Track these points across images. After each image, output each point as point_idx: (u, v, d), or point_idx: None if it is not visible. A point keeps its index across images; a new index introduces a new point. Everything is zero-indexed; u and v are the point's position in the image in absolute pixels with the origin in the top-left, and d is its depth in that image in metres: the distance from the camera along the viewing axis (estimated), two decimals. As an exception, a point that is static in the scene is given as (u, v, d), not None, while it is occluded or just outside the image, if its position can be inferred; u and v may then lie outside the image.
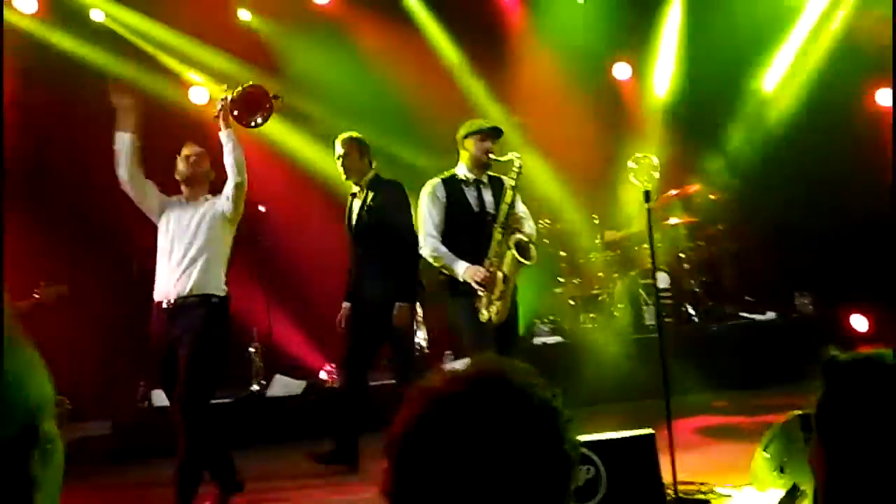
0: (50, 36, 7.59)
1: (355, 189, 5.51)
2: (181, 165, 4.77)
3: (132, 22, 7.92)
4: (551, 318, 7.84)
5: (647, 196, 4.59)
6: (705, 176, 8.16)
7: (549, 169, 8.15)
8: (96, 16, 7.81)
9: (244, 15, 8.33)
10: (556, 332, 7.71)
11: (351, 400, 5.44)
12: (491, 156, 4.92)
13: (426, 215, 4.98)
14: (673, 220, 7.79)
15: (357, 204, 5.52)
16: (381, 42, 8.20)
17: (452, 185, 5.00)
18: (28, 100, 7.16)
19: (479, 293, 4.81)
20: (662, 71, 8.87)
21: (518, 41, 8.72)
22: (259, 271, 7.49)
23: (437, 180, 5.04)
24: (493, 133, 4.97)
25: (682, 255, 7.84)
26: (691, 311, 7.66)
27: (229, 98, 4.68)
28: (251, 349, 7.22)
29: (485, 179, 5.03)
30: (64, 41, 7.64)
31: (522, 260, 4.79)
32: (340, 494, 5.04)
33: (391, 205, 5.37)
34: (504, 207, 4.87)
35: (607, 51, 8.71)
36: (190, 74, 8.16)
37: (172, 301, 4.57)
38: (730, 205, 8.07)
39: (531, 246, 4.86)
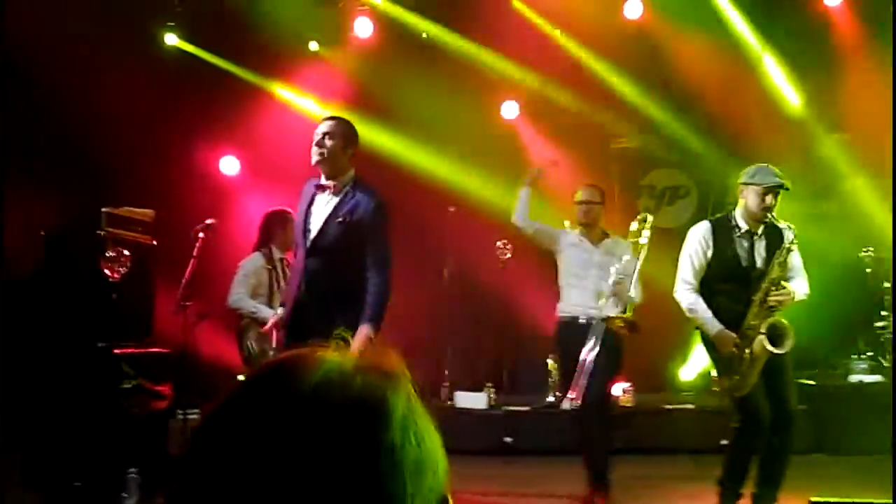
0: (384, 57, 8.21)
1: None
2: (580, 213, 5.49)
3: (453, 41, 8.37)
4: (870, 354, 7.25)
5: None
6: None
7: (878, 191, 7.52)
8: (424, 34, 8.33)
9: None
10: (875, 370, 7.11)
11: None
12: (768, 215, 4.59)
13: (687, 260, 4.75)
14: None
15: None
16: (694, 55, 8.01)
17: (723, 231, 4.72)
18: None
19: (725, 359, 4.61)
20: None
21: (847, 53, 8.13)
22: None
23: (706, 224, 4.79)
24: (776, 189, 4.61)
25: None
26: None
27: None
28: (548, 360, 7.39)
29: (759, 231, 4.68)
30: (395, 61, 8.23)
31: (771, 349, 4.46)
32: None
33: None
34: (766, 283, 4.56)
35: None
36: (503, 88, 8.49)
37: (588, 319, 5.29)
38: None
39: (788, 332, 4.49)
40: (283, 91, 8.29)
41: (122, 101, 6.94)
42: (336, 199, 4.37)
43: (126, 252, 4.72)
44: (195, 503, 0.74)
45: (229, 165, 8.23)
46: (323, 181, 4.39)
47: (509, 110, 8.57)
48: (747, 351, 4.54)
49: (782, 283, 4.59)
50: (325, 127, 4.37)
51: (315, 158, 4.32)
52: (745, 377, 4.55)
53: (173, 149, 7.53)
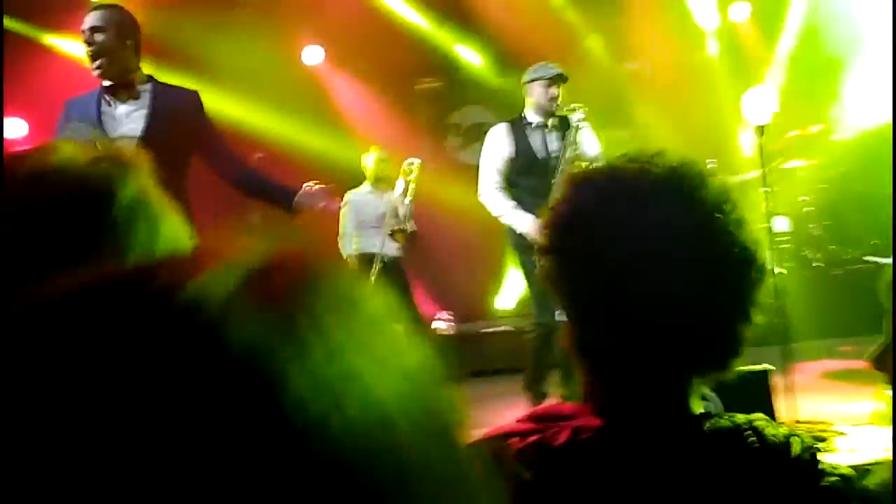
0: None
1: None
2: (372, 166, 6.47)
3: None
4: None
5: (760, 131, 4.50)
6: (829, 117, 7.85)
7: (664, 114, 7.99)
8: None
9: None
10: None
11: None
12: (555, 105, 4.82)
13: (488, 161, 4.92)
14: (792, 164, 7.53)
15: None
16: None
17: (518, 129, 4.90)
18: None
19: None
20: (784, 12, 8.51)
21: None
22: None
23: (501, 125, 4.98)
24: (558, 79, 4.84)
25: (803, 197, 7.58)
26: (813, 255, 7.43)
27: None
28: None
29: (551, 123, 4.90)
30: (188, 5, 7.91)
31: None
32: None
33: None
34: (562, 166, 4.74)
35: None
36: (303, 32, 8.35)
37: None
38: (854, 146, 7.73)
39: None
40: (62, 42, 7.81)
41: None
42: (143, 103, 3.51)
43: None
44: None
45: (16, 127, 7.71)
46: (108, 84, 3.49)
47: (312, 55, 8.46)
48: None
49: (578, 162, 4.76)
50: (90, 20, 3.44)
51: (94, 66, 3.44)
52: None
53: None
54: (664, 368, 1.07)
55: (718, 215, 1.06)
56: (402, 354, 0.40)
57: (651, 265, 1.03)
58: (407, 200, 6.25)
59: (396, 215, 6.25)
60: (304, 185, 3.78)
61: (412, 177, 6.25)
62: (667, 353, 1.05)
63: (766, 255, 5.27)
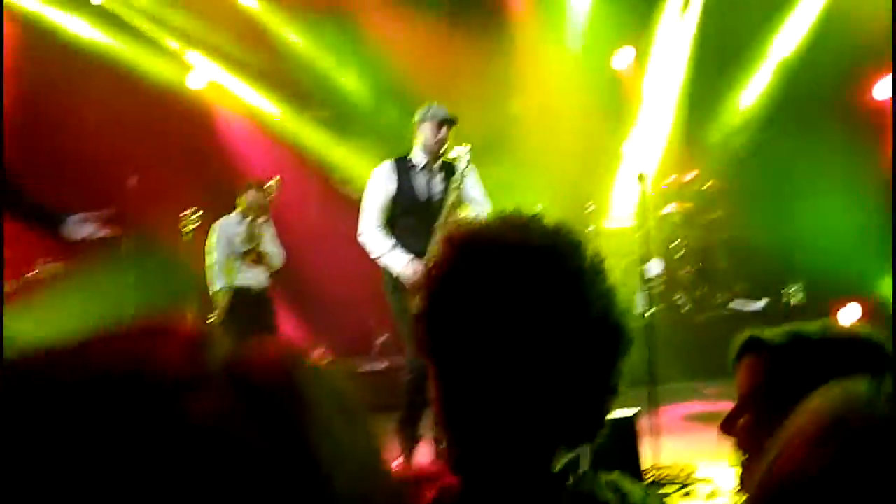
0: (52, 18, 7.63)
1: None
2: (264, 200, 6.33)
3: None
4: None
5: (640, 178, 4.65)
6: (703, 163, 8.17)
7: (546, 156, 8.13)
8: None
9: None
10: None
11: None
12: (443, 147, 4.78)
13: (371, 199, 4.84)
14: (668, 209, 7.79)
15: None
16: (382, 26, 8.20)
17: (402, 169, 4.84)
18: (30, 79, 7.21)
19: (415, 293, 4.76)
20: (663, 59, 8.83)
21: (519, 29, 8.70)
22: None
23: (387, 163, 4.89)
24: (449, 122, 4.82)
25: (676, 242, 7.84)
26: (683, 298, 7.67)
27: None
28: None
29: (436, 166, 4.86)
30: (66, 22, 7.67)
31: None
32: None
33: None
34: (445, 210, 4.72)
35: (610, 40, 8.68)
36: (188, 56, 8.15)
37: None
38: (726, 193, 8.07)
39: None
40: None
41: None
42: None
43: None
44: None
45: None
46: None
47: (196, 79, 8.28)
48: None
49: (461, 206, 4.76)
50: None
51: None
52: None
53: None
54: (530, 437, 1.06)
55: (591, 286, 1.07)
56: (365, 436, 0.50)
57: (522, 336, 1.03)
58: (261, 221, 6.27)
59: (252, 238, 6.24)
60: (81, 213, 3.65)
61: (270, 197, 6.30)
62: (533, 423, 1.05)
63: (637, 305, 5.32)
